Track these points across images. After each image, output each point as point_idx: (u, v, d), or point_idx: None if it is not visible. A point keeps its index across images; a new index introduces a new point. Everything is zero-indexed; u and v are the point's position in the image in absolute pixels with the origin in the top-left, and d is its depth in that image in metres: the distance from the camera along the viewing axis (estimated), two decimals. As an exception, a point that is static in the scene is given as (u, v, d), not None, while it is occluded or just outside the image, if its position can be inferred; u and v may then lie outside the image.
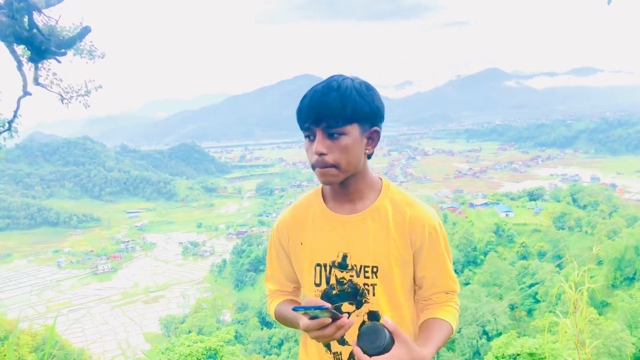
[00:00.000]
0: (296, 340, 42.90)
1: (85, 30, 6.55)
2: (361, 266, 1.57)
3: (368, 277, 1.57)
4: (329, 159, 1.45)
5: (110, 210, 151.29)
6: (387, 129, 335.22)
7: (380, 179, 1.66)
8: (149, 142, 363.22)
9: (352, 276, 1.58)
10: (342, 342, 1.62)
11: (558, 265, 42.10)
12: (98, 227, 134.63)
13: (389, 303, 1.57)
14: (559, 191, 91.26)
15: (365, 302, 1.57)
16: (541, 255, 55.09)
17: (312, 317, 1.36)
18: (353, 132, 1.45)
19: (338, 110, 1.41)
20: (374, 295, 1.57)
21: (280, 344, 45.84)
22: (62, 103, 7.46)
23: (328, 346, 1.65)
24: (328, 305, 1.31)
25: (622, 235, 47.78)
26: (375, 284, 1.57)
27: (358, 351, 1.32)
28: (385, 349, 1.32)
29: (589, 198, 77.05)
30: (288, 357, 40.86)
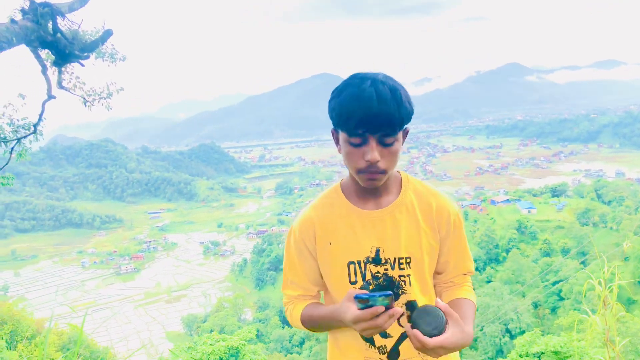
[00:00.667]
0: (317, 339, 42.94)
1: (107, 34, 6.65)
2: (395, 259, 1.60)
3: (403, 269, 1.61)
4: (381, 165, 1.46)
5: (132, 211, 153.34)
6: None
7: (399, 172, 1.69)
8: (169, 143, 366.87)
9: (386, 269, 1.60)
10: (384, 335, 1.63)
11: (583, 262, 41.47)
12: (120, 227, 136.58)
13: (421, 291, 1.62)
14: (583, 187, 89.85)
15: (403, 293, 1.60)
16: (565, 252, 54.25)
17: (362, 308, 1.35)
18: (400, 137, 1.49)
19: (395, 120, 1.41)
20: (410, 285, 1.61)
21: (302, 343, 45.93)
22: (85, 106, 7.57)
23: (371, 341, 1.64)
24: (391, 292, 1.33)
25: (648, 231, 46.80)
26: (410, 274, 1.61)
27: (417, 334, 1.34)
28: (443, 330, 1.36)
29: (614, 193, 75.60)
30: (309, 355, 40.93)
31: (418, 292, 1.61)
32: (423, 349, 1.36)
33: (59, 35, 5.84)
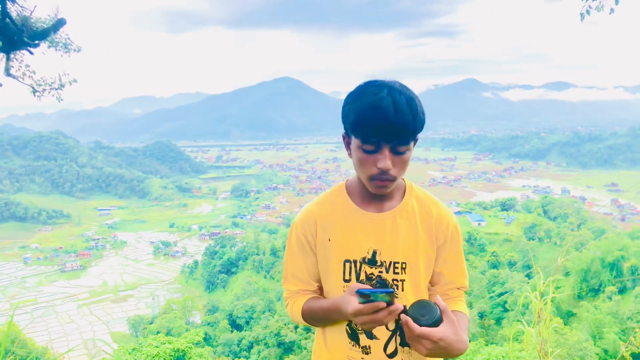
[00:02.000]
0: (266, 344, 42.63)
1: (60, 22, 6.43)
2: (391, 262, 1.62)
3: (397, 273, 1.62)
4: (392, 173, 1.48)
5: (81, 206, 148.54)
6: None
7: (403, 179, 1.73)
8: (123, 139, 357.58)
9: (381, 272, 1.62)
10: (370, 336, 1.64)
11: (527, 275, 42.82)
12: (68, 223, 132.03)
13: (414, 298, 1.61)
14: (531, 202, 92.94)
15: (395, 297, 1.55)
16: (511, 264, 55.95)
17: (363, 302, 1.37)
18: (412, 147, 1.53)
19: (410, 130, 1.44)
20: (402, 290, 1.63)
21: (250, 347, 45.51)
22: (35, 95, 7.30)
23: (356, 340, 1.66)
24: (393, 289, 1.37)
25: (589, 247, 48.87)
26: (404, 280, 1.63)
27: (409, 320, 1.36)
28: (436, 323, 1.36)
29: (559, 210, 78.68)
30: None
31: (411, 298, 1.61)
32: (412, 338, 1.38)
33: (7, 20, 5.62)
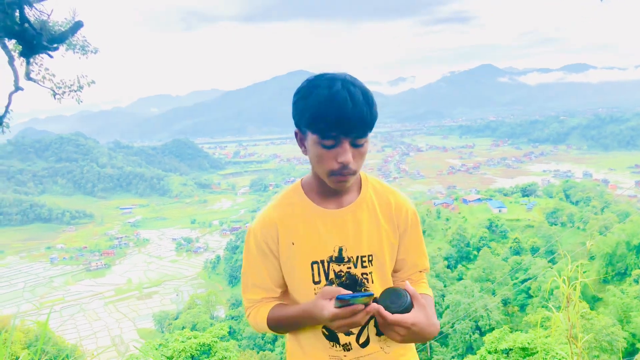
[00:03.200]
0: (290, 336, 42.88)
1: (77, 25, 6.51)
2: (357, 257, 1.60)
3: (365, 267, 1.61)
4: (353, 166, 1.46)
5: (103, 206, 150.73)
6: (380, 126, 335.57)
7: None
8: (142, 138, 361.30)
9: (349, 268, 1.60)
10: (349, 333, 1.63)
11: (551, 261, 42.36)
12: (91, 223, 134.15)
13: (382, 288, 1.59)
14: (552, 187, 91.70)
15: (366, 290, 1.60)
16: (534, 250, 55.35)
17: (340, 307, 1.35)
18: (368, 139, 1.50)
19: (368, 122, 1.42)
20: (372, 282, 1.62)
21: (275, 340, 45.83)
22: (55, 98, 7.41)
23: (336, 339, 1.64)
24: (372, 292, 1.36)
25: (613, 231, 48.12)
26: (371, 272, 1.62)
27: (380, 308, 1.36)
28: (406, 309, 1.37)
29: (582, 194, 77.48)
30: (282, 352, 40.88)
31: (380, 289, 1.58)
32: (385, 326, 1.39)
33: (26, 25, 5.70)
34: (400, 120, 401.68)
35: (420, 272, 1.77)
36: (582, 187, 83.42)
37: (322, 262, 1.60)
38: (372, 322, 1.62)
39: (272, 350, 42.01)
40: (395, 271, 1.74)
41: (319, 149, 1.46)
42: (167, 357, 8.94)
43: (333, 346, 1.64)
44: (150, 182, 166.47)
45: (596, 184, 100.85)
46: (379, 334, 1.63)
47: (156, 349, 9.32)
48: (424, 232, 1.85)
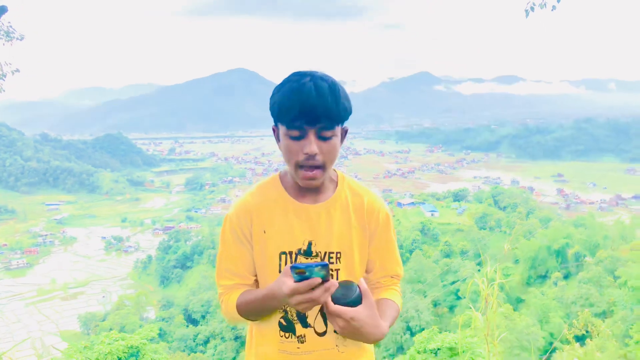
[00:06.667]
0: (222, 338, 42.36)
1: (1, 10, 6.15)
2: (325, 252, 1.64)
3: (332, 263, 1.64)
4: (320, 159, 1.49)
5: (27, 202, 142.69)
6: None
7: (335, 171, 1.74)
8: (72, 131, 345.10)
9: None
10: (306, 324, 1.65)
11: (478, 264, 44.14)
12: (13, 219, 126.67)
13: None
14: (482, 193, 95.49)
15: (331, 273, 1.62)
16: (463, 253, 57.47)
17: (298, 280, 1.35)
18: (338, 133, 1.54)
19: (334, 113, 1.45)
20: (337, 279, 1.64)
21: (207, 342, 45.11)
22: (-26, 86, 6.96)
23: (293, 330, 1.66)
24: (327, 262, 1.37)
25: (536, 236, 50.83)
26: (339, 269, 1.65)
27: (327, 298, 1.38)
28: (353, 303, 1.37)
29: (509, 200, 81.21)
30: (214, 355, 40.31)
31: None
32: (329, 315, 1.41)
33: (-56, 6, 5.33)
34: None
35: (392, 277, 1.78)
36: (509, 194, 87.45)
37: (291, 253, 1.63)
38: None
39: (203, 352, 41.35)
40: (367, 272, 1.76)
41: (287, 141, 1.50)
42: (92, 360, 8.60)
43: (287, 338, 1.65)
44: (79, 178, 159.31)
45: (522, 191, 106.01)
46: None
47: (80, 352, 8.94)
48: None
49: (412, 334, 34.97)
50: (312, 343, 1.65)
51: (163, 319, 54.33)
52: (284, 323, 1.66)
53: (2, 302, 77.72)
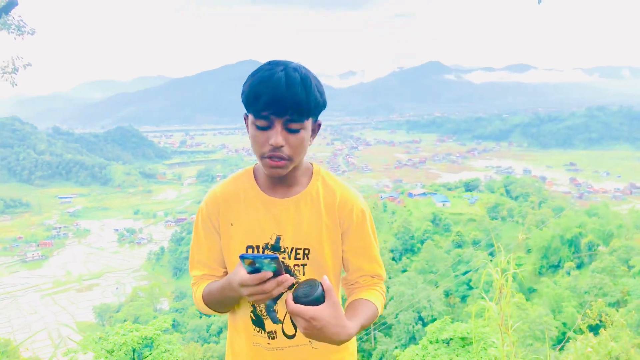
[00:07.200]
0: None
1: (11, 4, 6.17)
2: (293, 248, 1.59)
3: (299, 259, 1.59)
4: (285, 151, 1.45)
5: (40, 195, 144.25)
6: (330, 119, 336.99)
7: (311, 164, 1.69)
8: (83, 124, 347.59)
9: (284, 258, 1.58)
10: (276, 320, 1.61)
11: (491, 254, 43.99)
12: (27, 212, 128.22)
13: None
14: (494, 182, 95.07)
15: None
16: (475, 243, 57.28)
17: (250, 272, 1.31)
18: (307, 126, 1.48)
19: (303, 105, 1.41)
20: (304, 274, 1.60)
21: (219, 332, 45.50)
22: (-13, 80, 7.02)
23: (262, 325, 1.62)
24: (277, 255, 1.29)
25: (549, 225, 50.55)
26: (305, 264, 1.60)
27: (289, 297, 1.31)
28: (314, 301, 1.30)
29: (521, 189, 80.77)
30: (226, 345, 40.65)
31: None
32: (290, 313, 1.33)
33: (-44, 1, 5.36)
34: (349, 113, 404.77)
35: (372, 277, 1.70)
36: (521, 183, 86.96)
37: (258, 247, 1.59)
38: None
39: (216, 343, 41.68)
40: (345, 270, 1.71)
41: (254, 130, 1.47)
42: (107, 351, 8.70)
43: (259, 332, 1.63)
44: (91, 171, 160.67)
45: (535, 180, 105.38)
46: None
47: (96, 343, 9.06)
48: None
49: (424, 324, 34.99)
50: (283, 339, 1.61)
51: (176, 310, 54.90)
52: (254, 317, 1.64)
53: (19, 293, 78.89)
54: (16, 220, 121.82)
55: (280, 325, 1.61)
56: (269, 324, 1.62)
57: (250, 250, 1.60)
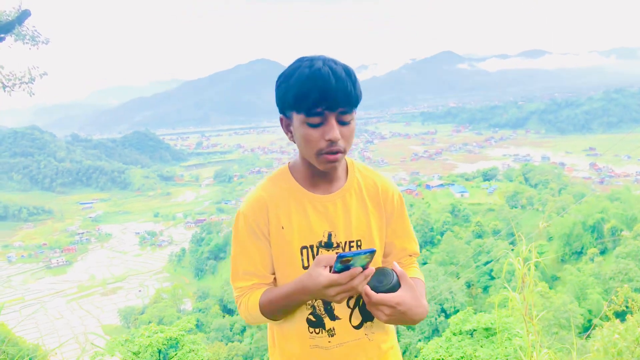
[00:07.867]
0: (259, 327, 42.90)
1: (25, 15, 6.26)
2: (346, 242, 1.59)
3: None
4: (341, 144, 1.45)
5: (62, 201, 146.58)
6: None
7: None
8: (101, 130, 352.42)
9: (338, 253, 1.50)
10: (333, 317, 1.60)
11: (511, 243, 43.56)
12: (50, 219, 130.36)
13: None
14: (512, 171, 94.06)
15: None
16: (495, 233, 56.74)
17: (338, 271, 1.31)
18: (355, 117, 1.50)
19: (352, 97, 1.41)
20: None
21: (243, 331, 45.82)
22: (4, 91, 7.13)
23: (322, 325, 1.60)
24: (375, 249, 1.32)
25: (570, 212, 49.81)
26: None
27: (366, 288, 1.33)
28: (393, 289, 1.35)
29: (540, 177, 79.80)
30: (251, 343, 40.89)
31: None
32: (371, 306, 1.37)
33: (-29, 14, 5.45)
34: (363, 108, 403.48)
35: (410, 256, 1.76)
36: (540, 170, 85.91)
37: (312, 247, 1.58)
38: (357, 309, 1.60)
39: (240, 342, 42.01)
40: (385, 255, 1.73)
41: (306, 129, 1.44)
42: (134, 353, 8.82)
43: (318, 333, 1.60)
44: (111, 176, 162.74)
45: (554, 167, 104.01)
46: (364, 320, 1.61)
47: (122, 345, 9.18)
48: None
49: (447, 316, 34.85)
50: (342, 335, 1.60)
51: (200, 310, 55.34)
52: (313, 319, 1.60)
53: (45, 299, 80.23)
54: (40, 227, 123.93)
55: (338, 321, 1.60)
56: (328, 322, 1.60)
57: (305, 252, 1.58)
